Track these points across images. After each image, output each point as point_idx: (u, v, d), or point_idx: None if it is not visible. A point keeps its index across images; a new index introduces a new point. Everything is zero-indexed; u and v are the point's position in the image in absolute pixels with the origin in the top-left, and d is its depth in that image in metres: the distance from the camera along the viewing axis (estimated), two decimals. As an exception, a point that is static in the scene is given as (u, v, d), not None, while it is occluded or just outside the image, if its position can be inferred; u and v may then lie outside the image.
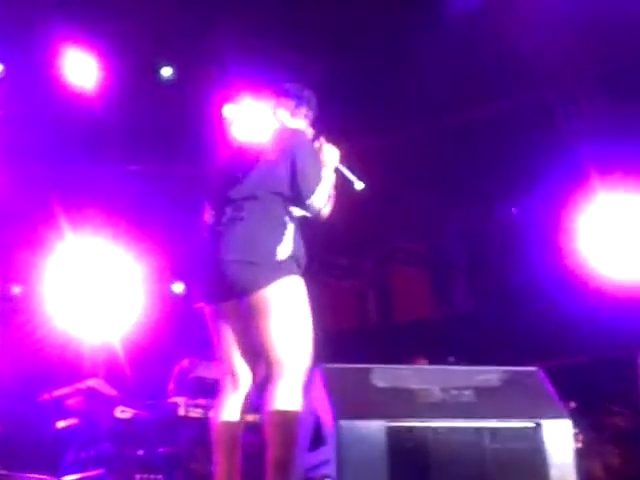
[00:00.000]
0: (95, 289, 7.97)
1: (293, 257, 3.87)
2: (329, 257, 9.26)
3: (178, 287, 8.75)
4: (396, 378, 3.22)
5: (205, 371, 6.41)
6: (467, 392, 3.21)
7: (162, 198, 7.91)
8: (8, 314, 7.77)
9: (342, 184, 4.12)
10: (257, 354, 3.99)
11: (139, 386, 6.83)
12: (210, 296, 4.00)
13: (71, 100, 7.22)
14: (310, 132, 4.21)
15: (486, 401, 3.20)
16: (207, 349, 6.88)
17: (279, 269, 3.80)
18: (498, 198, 7.69)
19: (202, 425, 5.63)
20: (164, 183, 8.02)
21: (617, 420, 6.30)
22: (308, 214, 3.99)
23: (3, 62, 7.00)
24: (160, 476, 5.46)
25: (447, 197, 8.13)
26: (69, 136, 7.39)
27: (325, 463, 3.10)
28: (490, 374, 3.29)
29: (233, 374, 4.01)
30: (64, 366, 7.50)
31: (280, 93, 4.22)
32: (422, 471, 3.06)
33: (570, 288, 6.52)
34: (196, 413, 5.61)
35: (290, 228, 3.89)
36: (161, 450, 5.66)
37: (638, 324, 6.22)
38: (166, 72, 7.43)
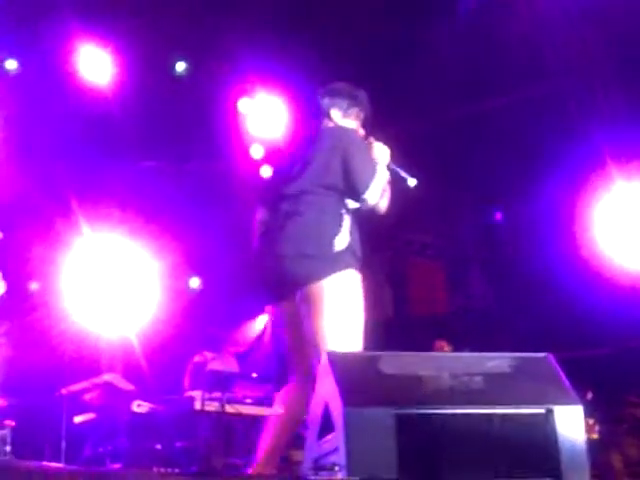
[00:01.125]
0: (112, 285, 7.99)
1: (349, 248, 3.90)
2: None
3: (195, 282, 8.77)
4: (404, 365, 3.18)
5: (219, 364, 6.42)
6: (477, 378, 3.15)
7: (179, 193, 7.93)
8: (26, 310, 7.80)
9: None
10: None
11: (156, 381, 6.84)
12: (275, 297, 4.04)
13: (86, 96, 7.25)
14: (361, 132, 4.20)
15: (496, 387, 3.14)
16: (222, 343, 6.88)
17: (337, 260, 3.86)
18: (513, 188, 7.65)
19: (218, 418, 5.64)
20: (181, 178, 8.04)
21: (635, 411, 6.25)
22: (363, 208, 3.99)
23: (17, 59, 7.03)
24: (177, 470, 5.46)
25: (462, 188, 8.10)
26: (85, 132, 7.42)
27: (334, 451, 3.06)
28: (500, 360, 3.24)
29: (298, 366, 4.01)
30: (82, 361, 7.51)
31: (333, 93, 4.22)
32: (431, 458, 3.02)
33: (587, 278, 6.46)
34: (212, 407, 5.62)
35: (347, 219, 3.94)
36: (178, 444, 5.68)
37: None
38: (180, 67, 7.45)
